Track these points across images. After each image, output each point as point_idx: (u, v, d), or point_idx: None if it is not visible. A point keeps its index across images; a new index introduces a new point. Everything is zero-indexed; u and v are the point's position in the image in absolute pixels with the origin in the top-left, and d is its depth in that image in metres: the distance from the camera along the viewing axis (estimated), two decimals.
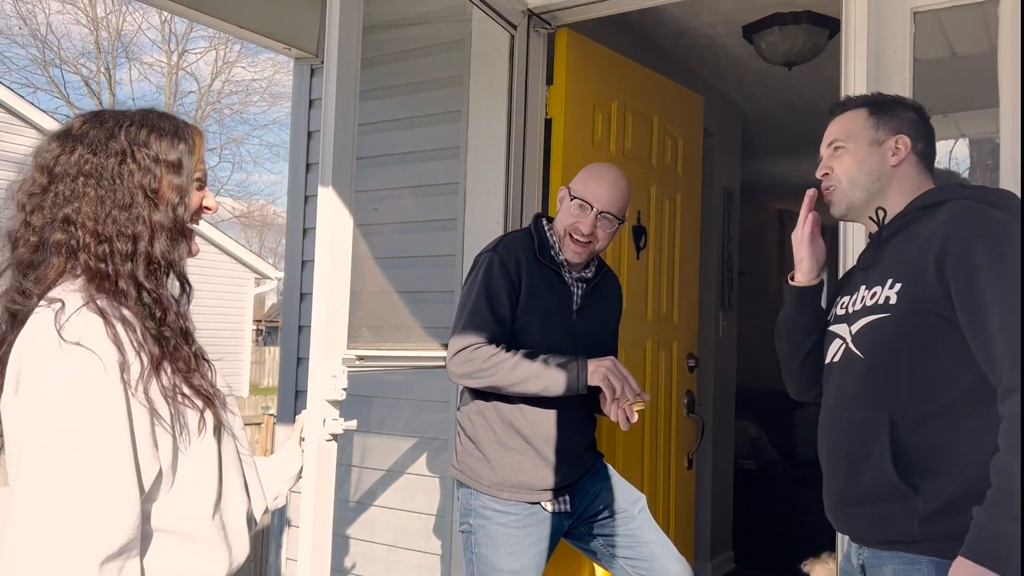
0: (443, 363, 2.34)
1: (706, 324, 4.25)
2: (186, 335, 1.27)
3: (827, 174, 1.71)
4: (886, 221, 1.65)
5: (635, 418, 2.08)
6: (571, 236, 2.17)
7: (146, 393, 1.17)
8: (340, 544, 3.14)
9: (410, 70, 3.14)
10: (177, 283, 1.30)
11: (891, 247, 1.61)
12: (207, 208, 1.37)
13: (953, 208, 1.52)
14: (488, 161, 2.82)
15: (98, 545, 1.09)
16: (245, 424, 5.19)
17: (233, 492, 1.31)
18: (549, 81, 2.92)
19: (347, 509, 3.15)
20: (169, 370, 1.22)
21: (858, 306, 1.60)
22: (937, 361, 1.47)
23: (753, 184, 6.14)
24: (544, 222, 2.28)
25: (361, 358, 1.88)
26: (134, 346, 1.17)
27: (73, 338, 1.12)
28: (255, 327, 17.87)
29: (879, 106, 1.70)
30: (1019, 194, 1.77)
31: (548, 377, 2.02)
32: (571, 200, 2.18)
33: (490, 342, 2.06)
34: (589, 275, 2.27)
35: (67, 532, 1.08)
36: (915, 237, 1.55)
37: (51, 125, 10.83)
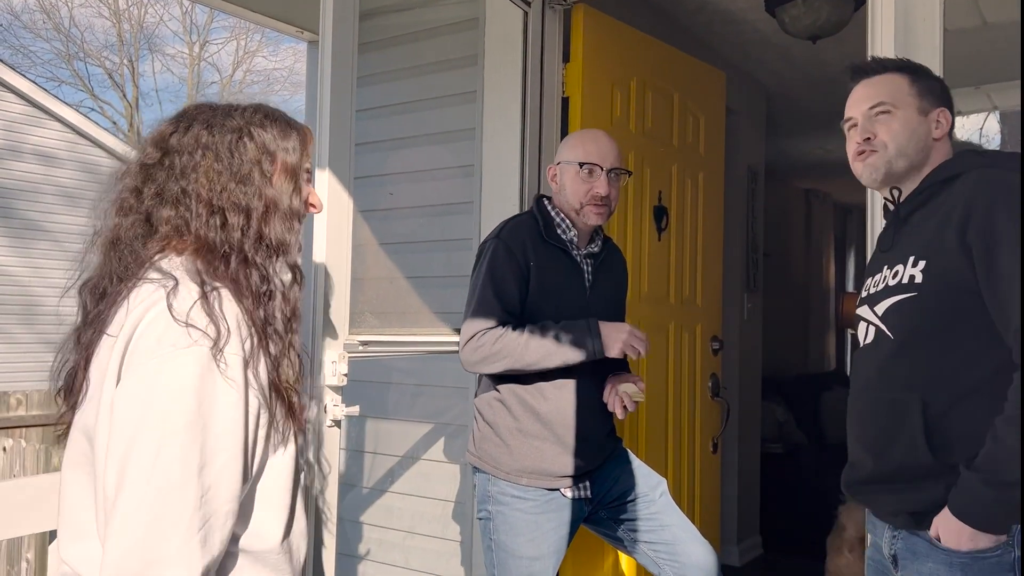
0: (452, 348, 2.32)
1: (731, 306, 4.19)
2: (289, 324, 1.20)
3: (869, 139, 1.60)
4: (902, 199, 1.59)
5: (632, 408, 2.08)
6: (590, 204, 2.15)
7: (255, 386, 1.10)
8: (356, 530, 3.13)
9: (424, 51, 3.09)
10: (288, 271, 1.22)
11: (911, 224, 1.55)
12: (312, 206, 1.31)
13: (970, 178, 1.47)
14: (504, 142, 2.78)
15: (205, 556, 1.03)
16: None
17: (300, 512, 1.24)
18: (566, 59, 2.87)
19: (363, 495, 3.14)
20: (266, 362, 1.14)
21: (880, 286, 1.55)
22: (967, 339, 1.43)
23: (778, 163, 6.03)
24: (546, 202, 2.24)
25: (365, 343, 1.85)
26: (249, 331, 1.11)
27: (194, 322, 1.06)
28: None
29: (917, 73, 1.62)
30: None
31: (562, 353, 2.02)
32: (578, 169, 2.15)
33: (496, 326, 2.03)
34: (596, 249, 2.24)
35: (178, 541, 1.01)
36: (935, 212, 1.50)
37: (76, 118, 10.94)
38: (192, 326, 1.06)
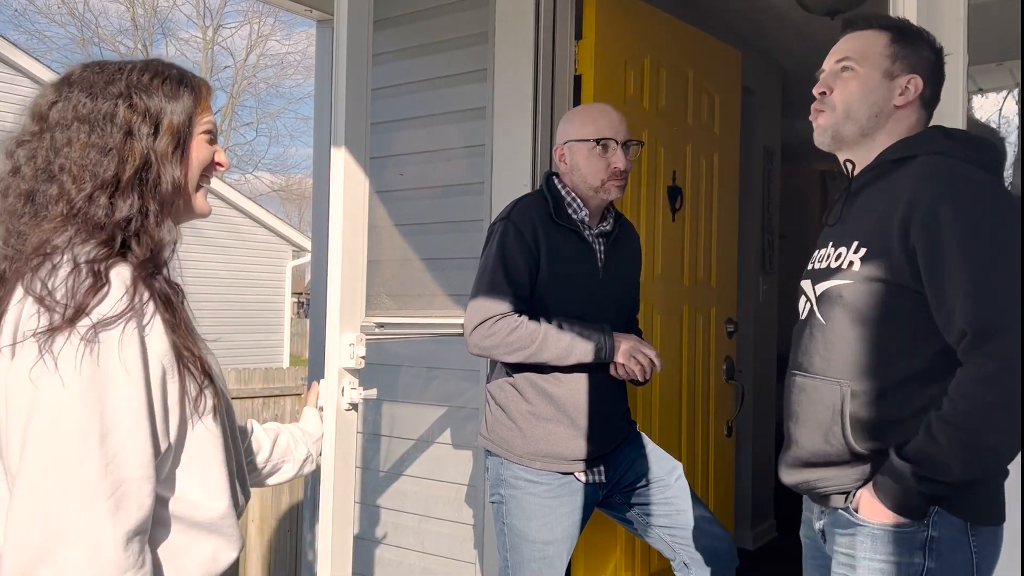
0: None
1: (746, 288, 4.14)
2: (175, 294, 1.19)
3: (824, 93, 1.54)
4: (855, 173, 1.53)
5: (648, 375, 2.09)
6: (611, 180, 2.11)
7: (159, 357, 1.10)
8: (371, 514, 3.12)
9: (434, 29, 3.05)
10: (166, 238, 1.19)
11: (859, 203, 1.50)
12: (219, 164, 1.29)
13: (923, 166, 1.41)
14: (515, 121, 2.74)
15: (120, 523, 1.03)
16: (285, 395, 5.14)
17: (240, 478, 1.26)
18: (578, 36, 2.82)
19: (377, 479, 3.13)
20: (167, 331, 1.13)
21: (823, 265, 1.51)
22: (898, 333, 1.40)
23: (794, 144, 5.94)
24: (556, 181, 2.19)
25: (381, 325, 1.82)
26: (142, 299, 1.10)
27: (81, 295, 1.06)
28: (295, 299, 18.02)
29: (904, 34, 1.52)
30: None
31: (576, 355, 2.01)
32: (593, 146, 2.10)
33: (509, 313, 2.00)
34: (608, 228, 2.19)
35: (84, 511, 1.01)
36: (882, 194, 1.44)
37: None
38: (75, 301, 1.05)
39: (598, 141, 2.09)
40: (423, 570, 3.02)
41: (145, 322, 1.10)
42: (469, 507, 2.92)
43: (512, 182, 2.72)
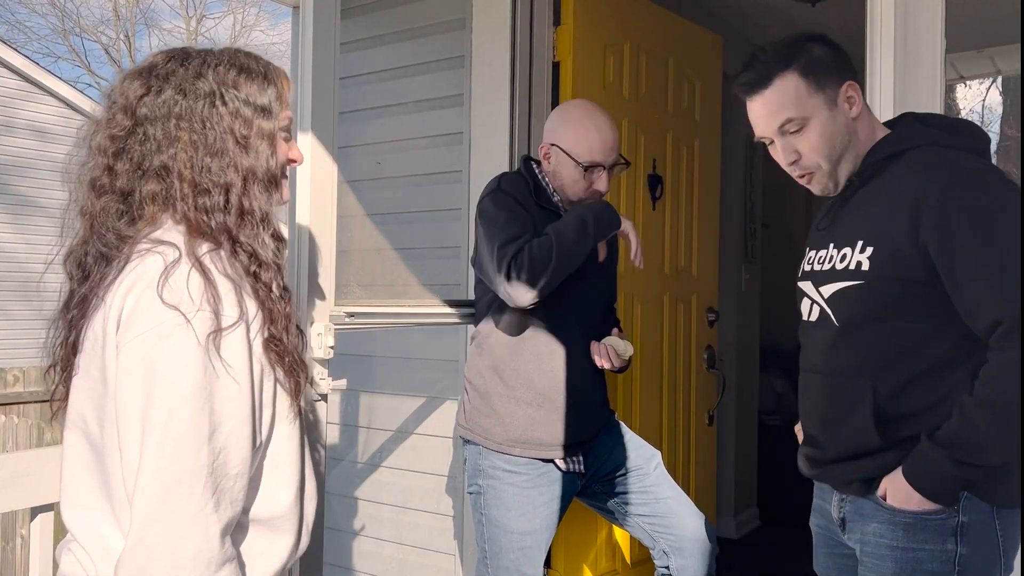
0: (442, 320, 2.28)
1: (728, 277, 4.13)
2: (285, 292, 1.20)
3: (796, 161, 1.50)
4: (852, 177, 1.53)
5: (619, 363, 2.09)
6: (589, 197, 2.10)
7: (259, 357, 1.12)
8: (348, 506, 3.11)
9: (409, 15, 3.02)
10: (269, 237, 1.20)
11: (853, 205, 1.50)
12: (292, 160, 1.29)
13: (920, 159, 1.43)
14: (493, 109, 2.72)
15: (222, 519, 1.06)
16: None
17: (309, 475, 1.26)
18: (556, 22, 2.79)
19: (354, 470, 3.11)
20: (268, 333, 1.14)
21: (827, 266, 1.51)
22: (916, 327, 1.42)
23: None
24: (535, 165, 2.18)
25: (351, 315, 1.80)
26: (246, 301, 1.12)
27: (192, 293, 1.06)
28: None
29: (808, 62, 1.47)
30: None
31: (590, 226, 2.00)
32: (576, 165, 2.07)
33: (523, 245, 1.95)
34: None
35: (194, 507, 1.04)
36: (880, 191, 1.45)
37: (71, 94, 10.83)
38: (190, 298, 1.06)
39: (586, 168, 2.06)
40: (401, 562, 3.00)
41: (251, 321, 1.11)
42: (448, 498, 2.90)
43: (490, 170, 2.68)
